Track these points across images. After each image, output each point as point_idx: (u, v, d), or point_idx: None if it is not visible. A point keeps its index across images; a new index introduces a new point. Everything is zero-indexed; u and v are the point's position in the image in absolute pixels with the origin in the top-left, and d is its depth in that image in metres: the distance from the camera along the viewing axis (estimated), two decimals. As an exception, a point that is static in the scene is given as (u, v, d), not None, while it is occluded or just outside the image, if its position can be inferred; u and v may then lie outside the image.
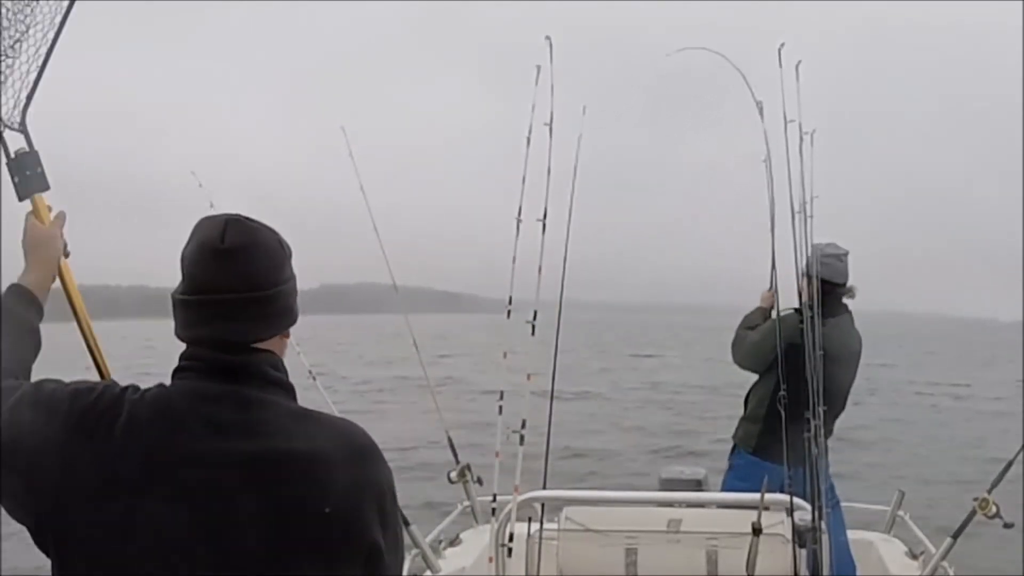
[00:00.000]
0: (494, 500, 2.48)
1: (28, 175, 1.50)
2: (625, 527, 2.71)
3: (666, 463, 3.99)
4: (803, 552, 2.40)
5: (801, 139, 3.01)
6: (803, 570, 2.38)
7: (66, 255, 1.59)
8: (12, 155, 1.49)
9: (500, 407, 2.53)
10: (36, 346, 1.48)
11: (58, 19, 1.46)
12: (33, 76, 1.51)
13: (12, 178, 1.48)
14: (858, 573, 3.73)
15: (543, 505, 2.79)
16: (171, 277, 1.29)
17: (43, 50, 1.48)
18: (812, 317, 2.99)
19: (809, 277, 3.73)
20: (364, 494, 1.25)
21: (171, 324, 1.27)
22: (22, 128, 1.51)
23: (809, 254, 3.27)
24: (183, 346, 1.28)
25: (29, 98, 1.52)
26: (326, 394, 3.95)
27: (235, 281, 1.26)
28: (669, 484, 3.67)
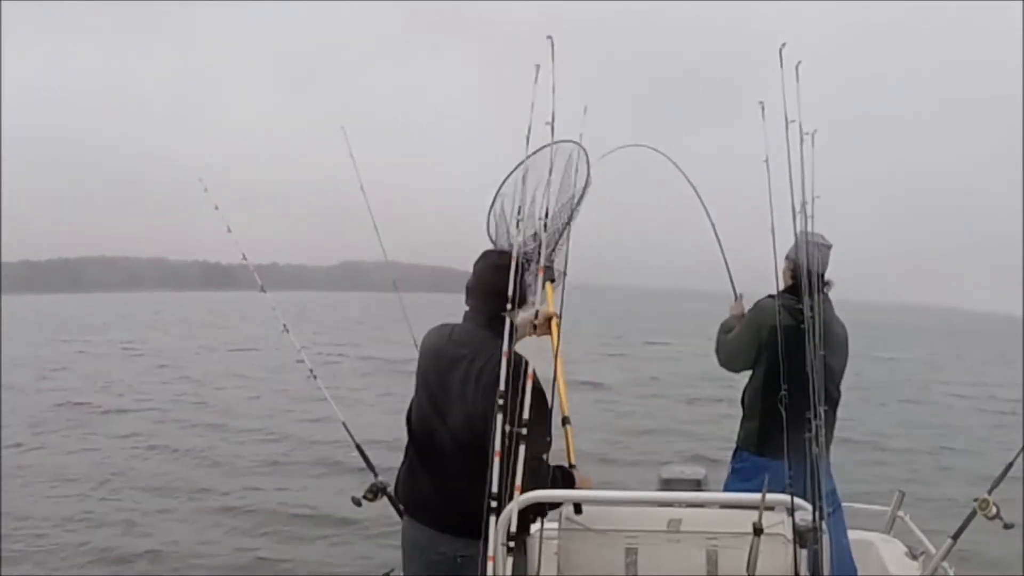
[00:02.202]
0: (494, 500, 2.46)
1: (546, 276, 2.99)
2: (625, 527, 2.70)
3: (666, 463, 3.98)
4: (803, 552, 2.40)
5: (801, 139, 3.00)
6: (803, 570, 2.38)
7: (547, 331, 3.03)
8: (544, 267, 2.88)
9: (499, 407, 2.52)
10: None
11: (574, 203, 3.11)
12: (557, 238, 3.07)
13: (543, 277, 2.96)
14: (858, 573, 3.73)
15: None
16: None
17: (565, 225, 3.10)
18: (812, 315, 2.98)
19: (787, 260, 3.76)
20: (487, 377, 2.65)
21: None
22: (549, 264, 2.96)
23: (809, 254, 3.28)
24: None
25: (554, 249, 3.04)
26: (326, 392, 4.00)
27: (477, 280, 2.89)
28: (669, 484, 3.67)
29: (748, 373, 3.86)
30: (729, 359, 3.91)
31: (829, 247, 3.78)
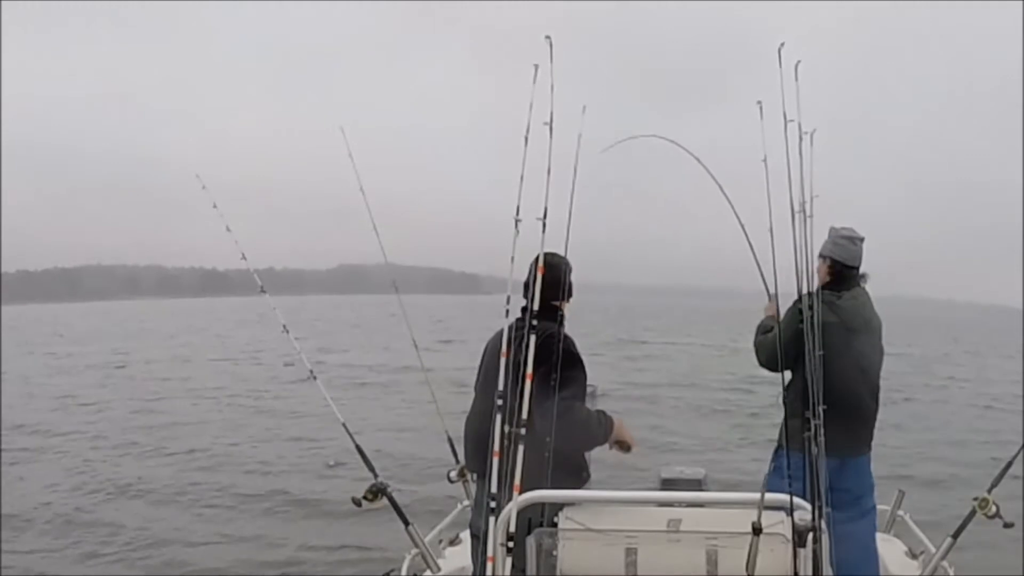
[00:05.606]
0: (494, 500, 2.47)
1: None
2: (625, 527, 2.70)
3: (666, 463, 3.98)
4: (803, 552, 2.40)
5: (800, 139, 3.00)
6: (803, 570, 2.38)
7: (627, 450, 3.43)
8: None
9: (499, 406, 2.52)
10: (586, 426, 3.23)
11: None
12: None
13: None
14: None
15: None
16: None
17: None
18: (812, 307, 2.98)
19: (822, 258, 3.77)
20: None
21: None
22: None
23: (808, 254, 3.26)
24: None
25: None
26: (326, 392, 3.99)
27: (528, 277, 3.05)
28: (669, 484, 3.66)
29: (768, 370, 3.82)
30: (771, 358, 3.80)
31: (862, 239, 3.81)
